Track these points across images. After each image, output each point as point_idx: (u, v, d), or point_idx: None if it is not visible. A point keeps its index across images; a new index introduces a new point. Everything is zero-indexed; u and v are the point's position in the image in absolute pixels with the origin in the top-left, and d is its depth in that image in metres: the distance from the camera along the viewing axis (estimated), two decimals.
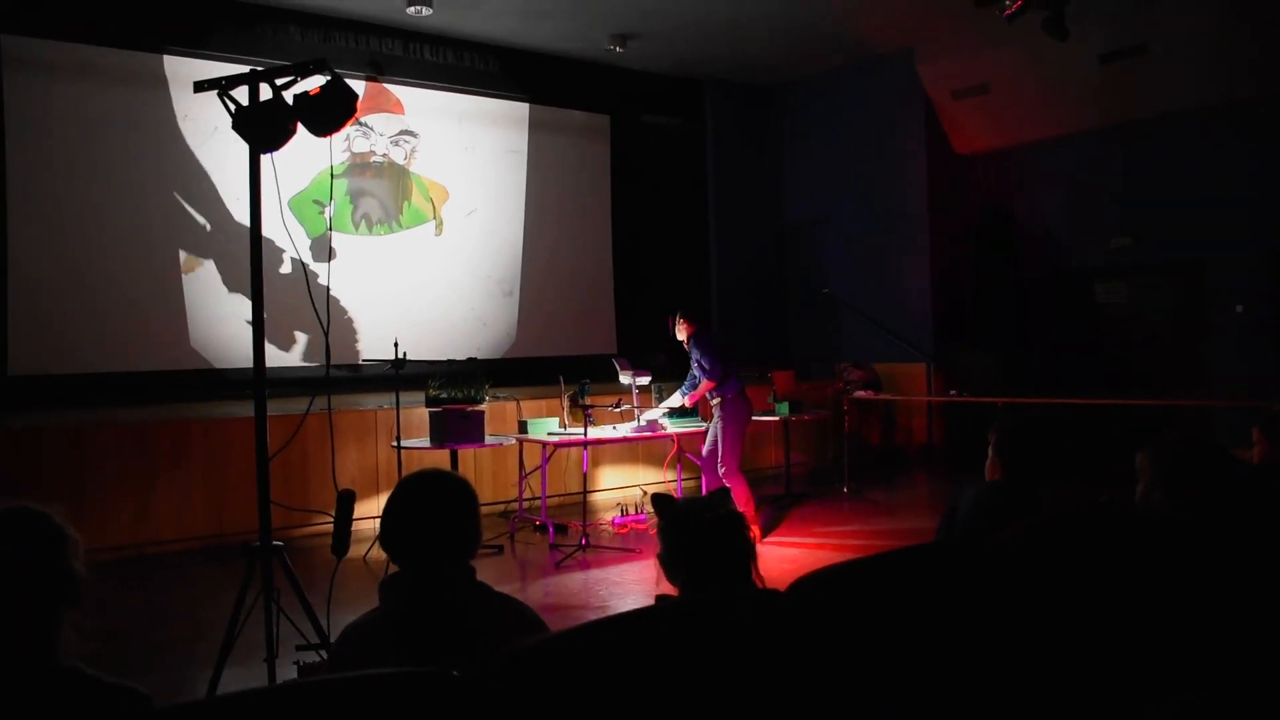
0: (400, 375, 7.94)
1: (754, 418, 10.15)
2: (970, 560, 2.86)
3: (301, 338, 10.01)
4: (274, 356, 7.98)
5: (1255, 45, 9.85)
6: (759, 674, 2.32)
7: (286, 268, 9.69)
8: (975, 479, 4.05)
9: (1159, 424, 9.47)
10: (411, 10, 9.97)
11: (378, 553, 7.62)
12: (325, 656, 4.14)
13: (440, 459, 8.04)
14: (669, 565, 2.81)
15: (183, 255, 9.60)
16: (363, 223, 10.65)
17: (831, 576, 2.60)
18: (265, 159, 4.24)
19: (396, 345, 7.91)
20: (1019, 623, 2.76)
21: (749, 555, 2.78)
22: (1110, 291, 11.95)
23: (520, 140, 11.79)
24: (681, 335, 8.41)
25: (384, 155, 10.82)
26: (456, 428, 8.02)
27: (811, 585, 2.51)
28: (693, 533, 2.75)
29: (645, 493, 9.89)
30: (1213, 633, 2.87)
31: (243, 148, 4.18)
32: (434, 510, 2.57)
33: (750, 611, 2.43)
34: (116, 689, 2.03)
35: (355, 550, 7.50)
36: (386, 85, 10.80)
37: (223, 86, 4.16)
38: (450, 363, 9.21)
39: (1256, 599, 2.94)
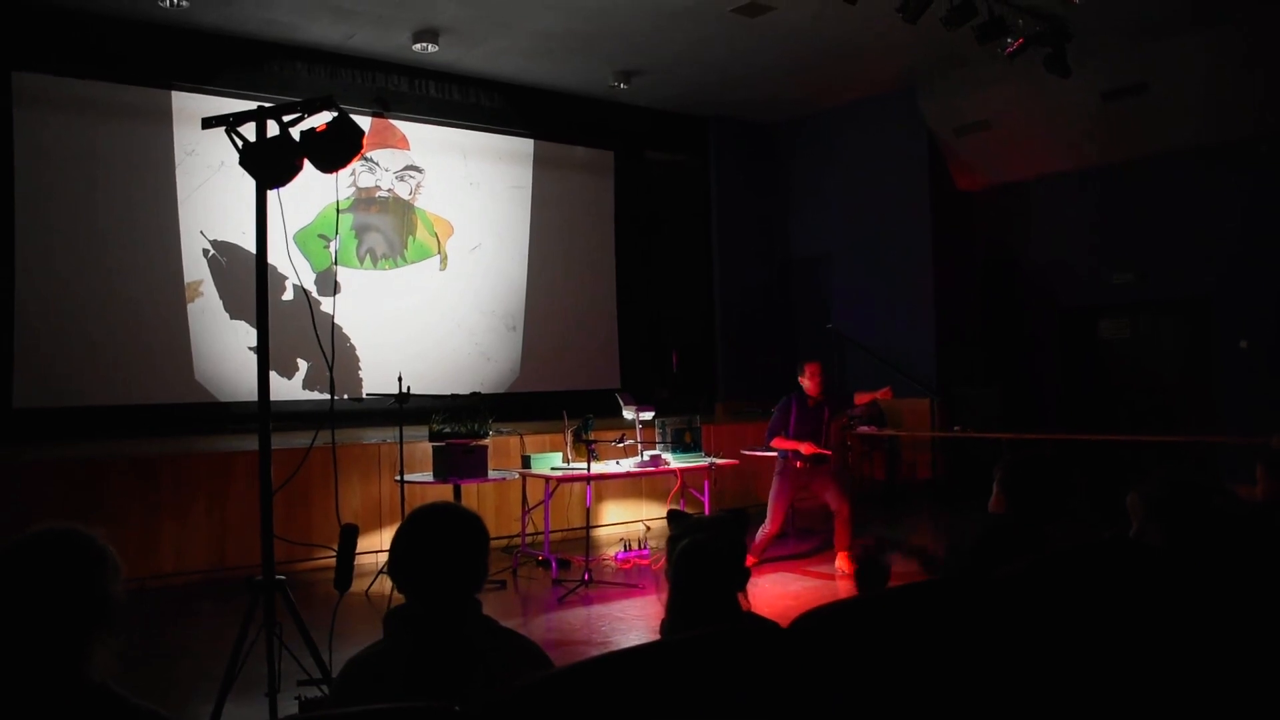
0: (404, 410, 7.94)
1: (757, 453, 10.19)
2: (974, 596, 2.86)
3: (303, 365, 10.04)
4: (276, 387, 8.00)
5: (1257, 84, 9.91)
6: (762, 709, 2.31)
7: (289, 294, 9.73)
8: (978, 514, 4.05)
9: (1164, 461, 9.47)
10: (417, 47, 10.07)
11: (380, 587, 7.61)
12: (326, 691, 4.12)
13: (443, 494, 8.02)
14: (669, 578, 2.82)
15: (189, 290, 9.65)
16: (367, 257, 10.69)
17: (835, 612, 2.60)
18: (271, 194, 4.26)
19: (400, 380, 7.92)
20: (1022, 658, 2.75)
21: (733, 584, 2.78)
22: (1115, 328, 11.96)
23: (524, 176, 11.85)
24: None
25: (389, 190, 10.89)
26: (460, 462, 8.01)
27: (815, 621, 2.51)
28: (683, 556, 2.77)
29: (648, 528, 9.87)
30: (1214, 669, 2.86)
31: (248, 183, 4.20)
32: (446, 543, 2.56)
33: (754, 647, 2.43)
34: (142, 711, 2.04)
35: (357, 585, 7.47)
36: (392, 121, 10.88)
37: (230, 123, 4.19)
38: (454, 397, 9.22)
39: (1258, 632, 2.93)
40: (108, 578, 2.15)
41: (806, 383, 8.20)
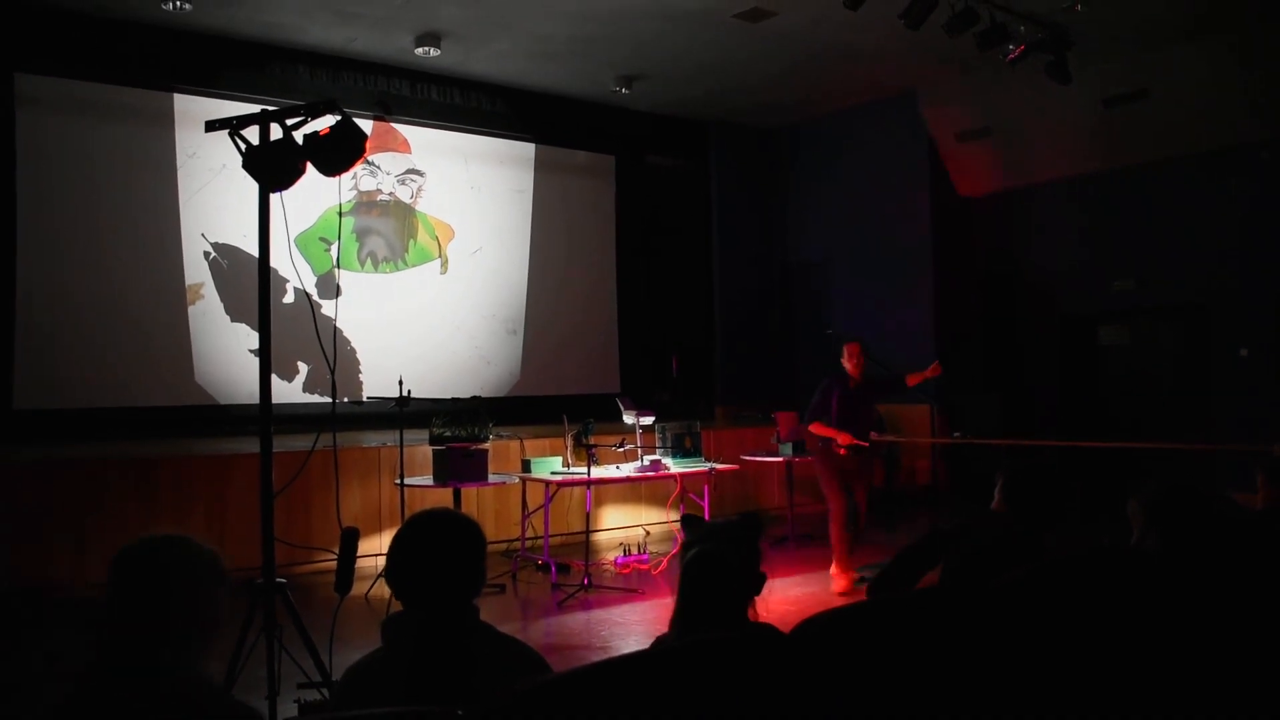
0: (404, 413, 7.94)
1: (757, 458, 10.18)
2: (974, 604, 2.86)
3: (304, 367, 10.04)
4: (277, 389, 7.95)
5: (1256, 90, 9.92)
6: (763, 716, 2.31)
7: (290, 298, 9.74)
8: (978, 522, 4.05)
9: (1164, 468, 9.47)
10: (419, 51, 10.08)
11: (379, 591, 7.60)
12: (326, 694, 4.12)
13: (443, 497, 8.02)
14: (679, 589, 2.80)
15: (190, 292, 9.65)
16: (369, 260, 10.70)
17: (836, 619, 2.59)
18: (273, 197, 4.26)
19: (401, 383, 7.92)
20: (1022, 665, 2.75)
21: (743, 593, 2.76)
22: (1114, 334, 11.96)
23: (525, 180, 11.86)
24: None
25: (390, 194, 10.89)
26: (460, 466, 8.00)
27: (816, 627, 2.51)
28: (691, 564, 2.76)
29: (648, 533, 9.86)
30: (1214, 676, 2.86)
31: (250, 185, 4.21)
32: (441, 550, 2.56)
33: (754, 653, 2.43)
34: (237, 706, 2.14)
35: (358, 588, 7.46)
36: (394, 125, 10.89)
37: (234, 126, 4.19)
38: (454, 401, 9.22)
39: (1258, 639, 2.93)
40: (198, 578, 2.26)
41: (847, 364, 7.95)
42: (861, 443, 7.81)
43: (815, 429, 7.96)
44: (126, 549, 2.24)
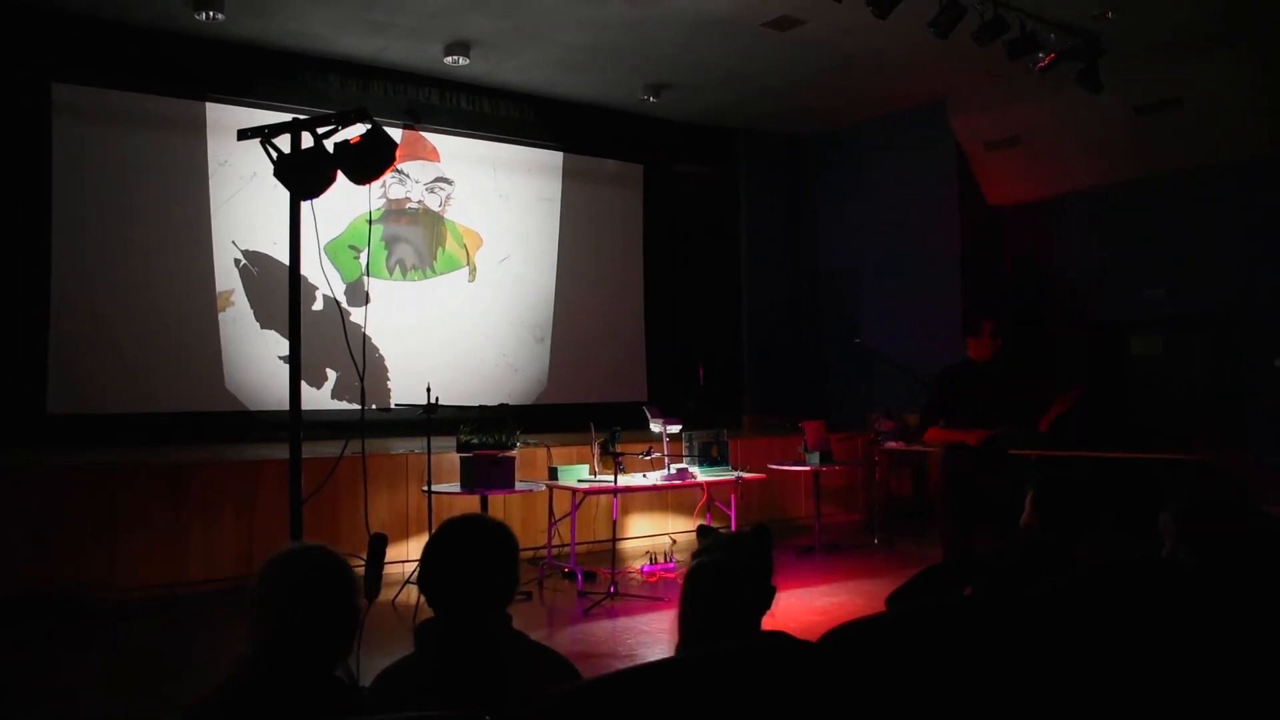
0: (432, 420, 7.96)
1: (784, 467, 10.14)
2: (1007, 614, 2.84)
3: (333, 374, 10.09)
4: (306, 395, 7.97)
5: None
6: None
7: (319, 305, 9.80)
8: (1010, 531, 4.03)
9: (1196, 479, 9.37)
10: (449, 60, 10.12)
11: (406, 597, 7.62)
12: None
13: (470, 504, 8.04)
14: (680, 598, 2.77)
15: (220, 299, 9.73)
16: (397, 268, 10.75)
17: (865, 629, 2.58)
18: (304, 205, 4.29)
19: (429, 390, 7.95)
20: (1056, 677, 2.73)
21: (750, 605, 2.72)
22: (1146, 344, 11.86)
23: (554, 188, 11.88)
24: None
25: (419, 202, 10.94)
26: (487, 473, 8.02)
27: (844, 637, 2.50)
28: (690, 575, 2.74)
29: (675, 541, 9.85)
30: (1250, 691, 2.83)
31: (280, 193, 4.24)
32: (474, 557, 2.56)
33: (783, 662, 2.42)
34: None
35: (385, 594, 7.49)
36: (423, 133, 10.94)
37: (265, 135, 4.22)
38: (482, 408, 9.24)
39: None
40: (334, 590, 2.44)
41: (979, 346, 6.67)
42: (989, 431, 6.30)
43: (932, 436, 6.64)
44: (275, 557, 2.47)
